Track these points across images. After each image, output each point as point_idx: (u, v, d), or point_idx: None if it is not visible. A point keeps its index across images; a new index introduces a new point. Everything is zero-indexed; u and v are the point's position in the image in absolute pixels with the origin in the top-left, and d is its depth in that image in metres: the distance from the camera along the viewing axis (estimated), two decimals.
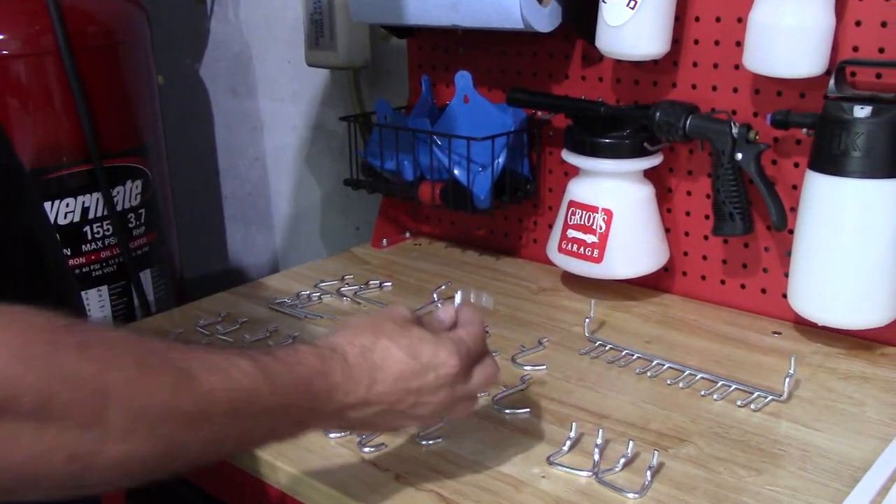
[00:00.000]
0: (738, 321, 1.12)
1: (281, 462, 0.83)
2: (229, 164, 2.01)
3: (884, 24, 0.97)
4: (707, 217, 1.15)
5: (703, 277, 1.18)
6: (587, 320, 1.08)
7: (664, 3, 1.06)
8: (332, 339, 0.69)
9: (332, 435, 0.86)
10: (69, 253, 1.44)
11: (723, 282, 1.17)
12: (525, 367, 1.00)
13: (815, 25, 0.96)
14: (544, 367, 1.00)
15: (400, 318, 0.73)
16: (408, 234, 1.47)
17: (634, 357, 1.02)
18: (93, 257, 1.47)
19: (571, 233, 1.15)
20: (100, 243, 1.48)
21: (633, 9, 1.04)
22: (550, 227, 1.24)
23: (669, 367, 0.99)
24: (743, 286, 1.15)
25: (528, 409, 0.91)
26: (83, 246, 1.46)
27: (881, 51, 0.98)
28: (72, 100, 1.41)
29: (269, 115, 1.89)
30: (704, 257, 1.18)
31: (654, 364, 1.00)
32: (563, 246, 1.16)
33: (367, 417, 0.69)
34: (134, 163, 1.55)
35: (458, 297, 0.82)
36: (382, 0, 1.24)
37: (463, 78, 1.25)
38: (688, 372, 0.98)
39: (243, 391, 0.59)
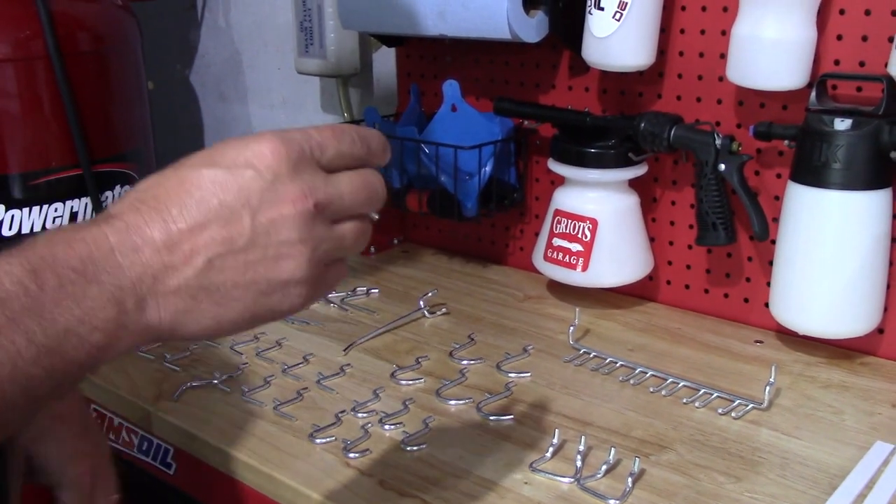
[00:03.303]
0: (720, 330, 1.13)
1: (265, 467, 0.84)
2: None
3: (864, 39, 0.99)
4: (691, 227, 1.16)
5: (687, 286, 1.20)
6: (572, 328, 1.09)
7: (649, 15, 1.07)
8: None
9: (317, 441, 0.87)
10: None
11: (706, 291, 1.18)
12: (510, 375, 1.01)
13: (797, 39, 0.98)
14: (529, 374, 1.01)
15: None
16: (396, 241, 1.48)
17: (618, 365, 1.03)
18: None
19: (557, 241, 1.16)
20: None
21: (618, 21, 1.06)
22: (537, 235, 1.25)
23: (652, 375, 1.00)
24: (726, 295, 1.16)
25: (511, 416, 0.92)
26: None
27: (862, 64, 1.00)
28: (61, 105, 1.41)
29: (259, 120, 1.90)
30: (688, 266, 1.19)
31: (637, 372, 1.01)
32: (549, 254, 1.17)
33: (197, 287, 0.49)
34: (123, 168, 1.55)
35: None
36: (371, 9, 1.25)
37: (451, 87, 1.26)
38: (670, 380, 0.99)
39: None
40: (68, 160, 1.45)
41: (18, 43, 1.40)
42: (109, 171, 1.52)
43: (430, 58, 1.40)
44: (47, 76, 1.40)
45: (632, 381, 0.99)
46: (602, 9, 1.06)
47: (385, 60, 1.55)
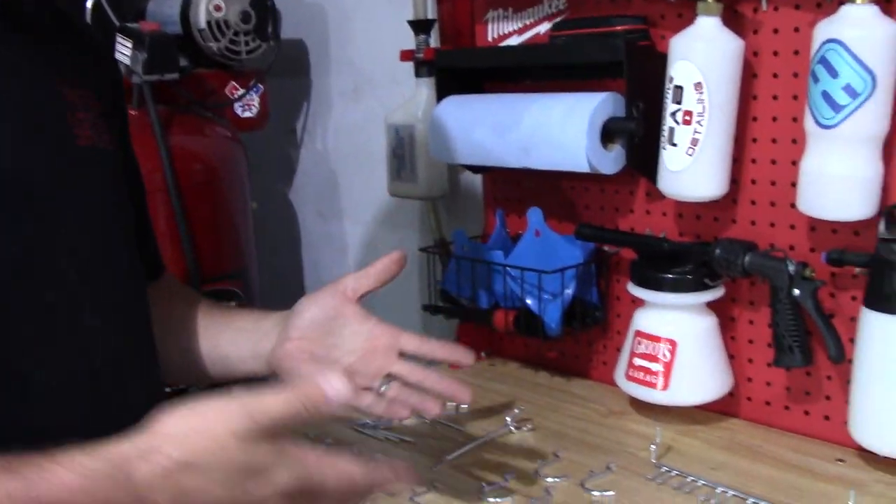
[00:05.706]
0: (802, 447, 1.15)
1: None
2: (314, 283, 2.13)
3: None
4: (769, 345, 1.20)
5: (768, 403, 1.23)
6: (653, 447, 1.13)
7: (721, 149, 1.14)
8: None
9: None
10: None
11: (787, 408, 1.21)
12: (593, 493, 1.06)
13: (863, 174, 1.03)
14: (612, 493, 1.05)
15: (238, 433, 0.65)
16: (483, 355, 1.55)
17: (700, 484, 1.06)
18: None
19: (637, 361, 1.21)
20: None
21: (691, 156, 1.13)
22: (619, 350, 1.30)
23: (734, 496, 1.03)
24: (806, 413, 1.19)
25: None
26: None
27: None
28: (177, 233, 1.54)
29: (353, 237, 2.01)
30: (768, 383, 1.22)
31: (718, 492, 1.04)
32: (630, 373, 1.22)
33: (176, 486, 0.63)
34: (229, 286, 1.67)
35: None
36: (460, 145, 1.35)
37: (535, 214, 1.34)
38: (751, 501, 1.02)
39: None
40: (181, 281, 1.57)
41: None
42: (216, 290, 1.64)
43: (514, 183, 1.49)
44: (165, 207, 1.53)
45: (713, 502, 1.03)
46: (675, 145, 1.14)
47: (472, 184, 1.65)
